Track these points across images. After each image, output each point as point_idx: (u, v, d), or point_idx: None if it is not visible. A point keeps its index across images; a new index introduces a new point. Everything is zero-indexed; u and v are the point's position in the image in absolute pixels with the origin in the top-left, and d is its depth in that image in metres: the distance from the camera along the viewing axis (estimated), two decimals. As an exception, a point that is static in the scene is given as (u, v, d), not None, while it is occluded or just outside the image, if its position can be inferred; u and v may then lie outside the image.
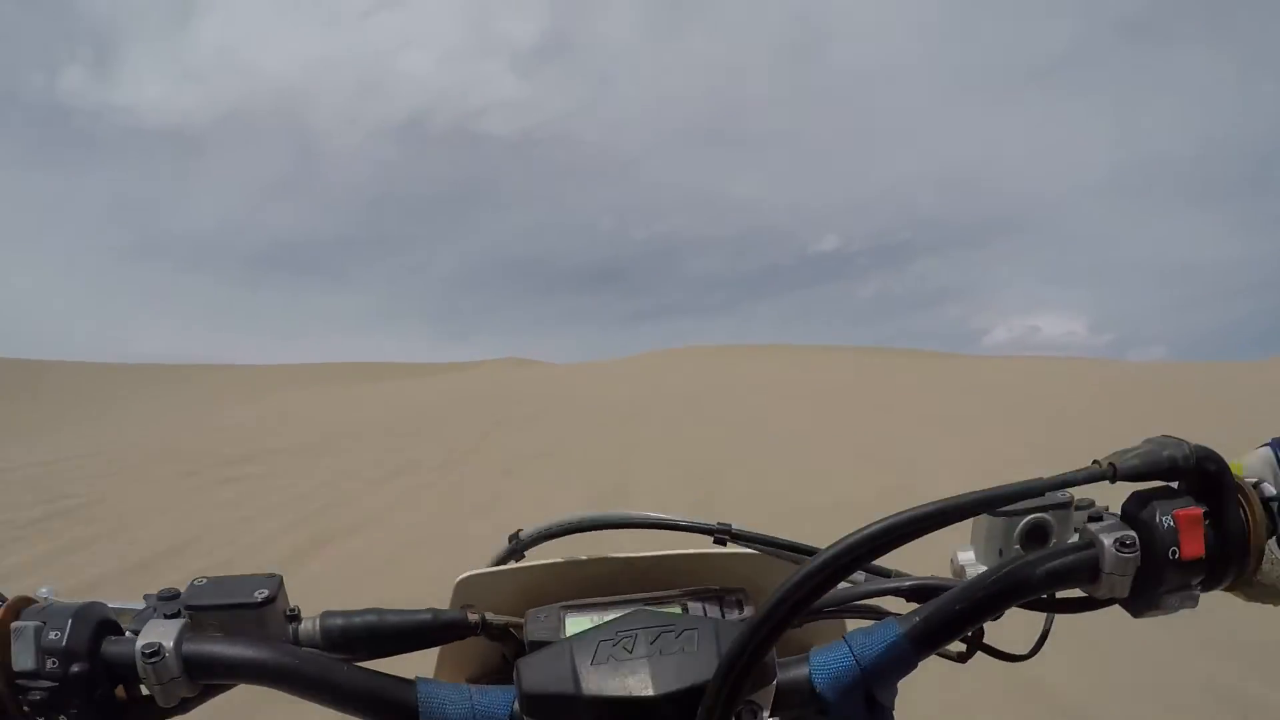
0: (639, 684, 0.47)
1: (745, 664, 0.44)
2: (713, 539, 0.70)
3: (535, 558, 0.71)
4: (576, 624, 0.61)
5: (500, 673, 0.69)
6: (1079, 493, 0.55)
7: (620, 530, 0.74)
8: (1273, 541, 0.51)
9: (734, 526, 0.71)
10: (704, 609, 0.63)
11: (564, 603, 0.64)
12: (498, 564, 0.74)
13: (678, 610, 0.62)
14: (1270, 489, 0.52)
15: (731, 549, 0.70)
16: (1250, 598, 0.53)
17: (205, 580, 0.56)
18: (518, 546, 0.75)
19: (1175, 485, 0.52)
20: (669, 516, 0.73)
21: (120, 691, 0.52)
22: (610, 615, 0.55)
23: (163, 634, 0.51)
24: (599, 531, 0.75)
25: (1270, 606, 0.54)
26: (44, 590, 0.55)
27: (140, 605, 0.56)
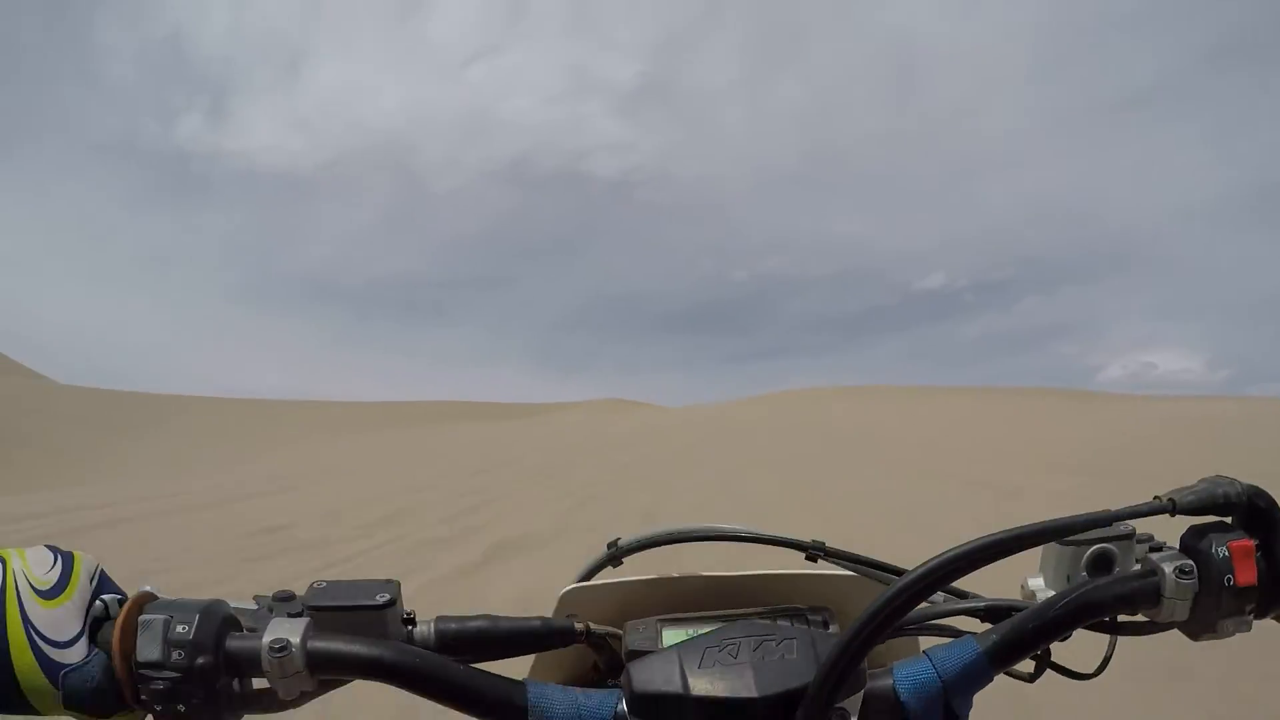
0: (743, 686, 0.51)
1: (841, 672, 0.49)
2: (805, 555, 0.75)
3: (630, 569, 0.77)
4: (673, 635, 0.66)
5: (590, 681, 0.73)
6: (1141, 531, 0.60)
7: (715, 544, 0.79)
8: None
9: (826, 544, 0.75)
10: (792, 624, 0.67)
11: (660, 616, 0.69)
12: (596, 569, 0.78)
13: (769, 623, 0.65)
14: None
15: (814, 570, 0.74)
16: None
17: (324, 583, 0.59)
18: (616, 554, 0.79)
19: (1229, 520, 0.57)
20: (761, 532, 0.77)
21: (237, 685, 0.55)
22: (704, 629, 0.60)
23: (289, 631, 0.54)
24: (693, 544, 0.79)
25: None
26: (146, 588, 0.57)
27: (255, 606, 0.59)
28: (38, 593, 0.52)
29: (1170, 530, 0.59)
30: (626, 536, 0.79)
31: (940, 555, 0.51)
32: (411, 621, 0.61)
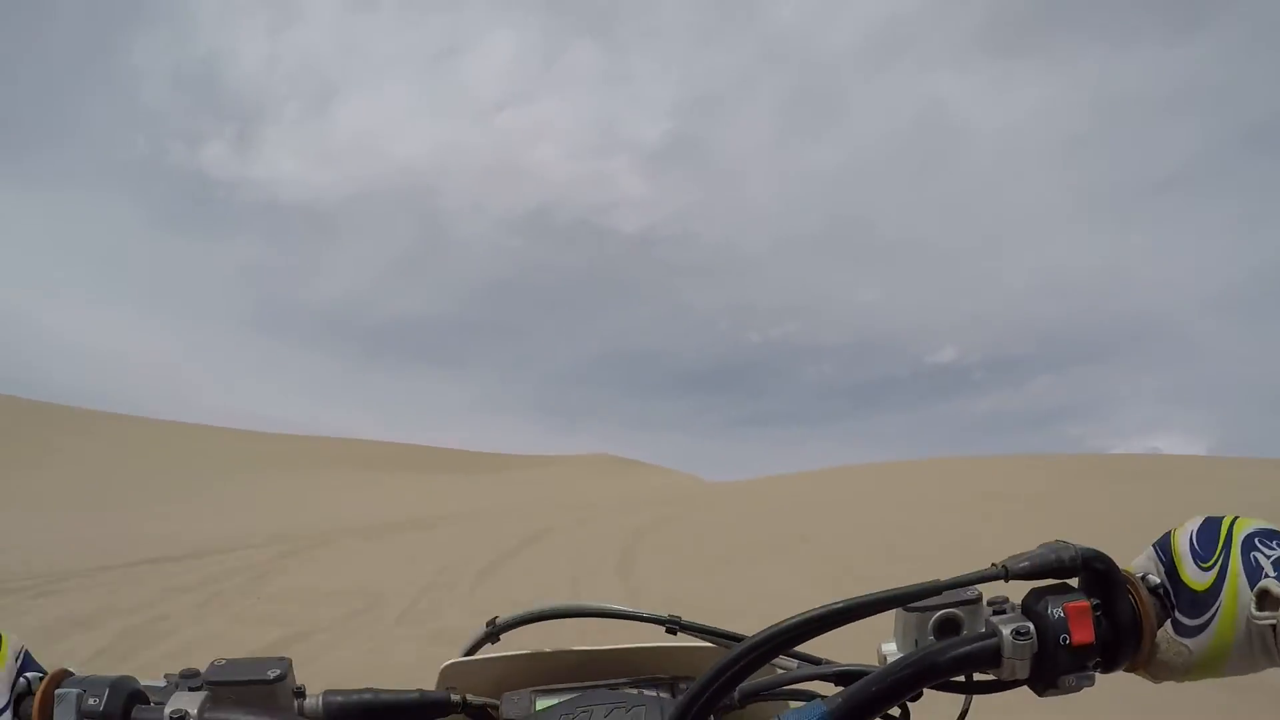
0: None
1: None
2: (665, 628, 0.83)
3: (509, 645, 0.86)
4: (545, 704, 0.74)
5: None
6: (998, 594, 0.63)
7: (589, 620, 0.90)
8: (1168, 624, 0.59)
9: (683, 619, 0.83)
10: (657, 692, 0.77)
11: (535, 687, 0.78)
12: (476, 646, 0.86)
13: (633, 693, 0.75)
14: (1154, 579, 0.61)
15: (675, 643, 0.82)
16: (1155, 678, 0.61)
17: (224, 661, 0.65)
18: (494, 631, 0.87)
19: (1074, 582, 0.60)
20: (626, 609, 0.87)
21: None
22: (570, 696, 0.71)
23: (188, 703, 0.60)
24: (567, 620, 0.89)
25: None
26: (65, 667, 0.64)
27: (162, 683, 0.65)
28: None
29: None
30: (504, 615, 0.88)
31: (778, 623, 0.55)
32: (301, 694, 0.68)
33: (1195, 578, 0.59)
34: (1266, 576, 0.55)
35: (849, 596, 0.56)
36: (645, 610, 0.85)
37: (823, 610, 0.55)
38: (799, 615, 0.55)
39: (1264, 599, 0.55)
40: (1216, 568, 0.58)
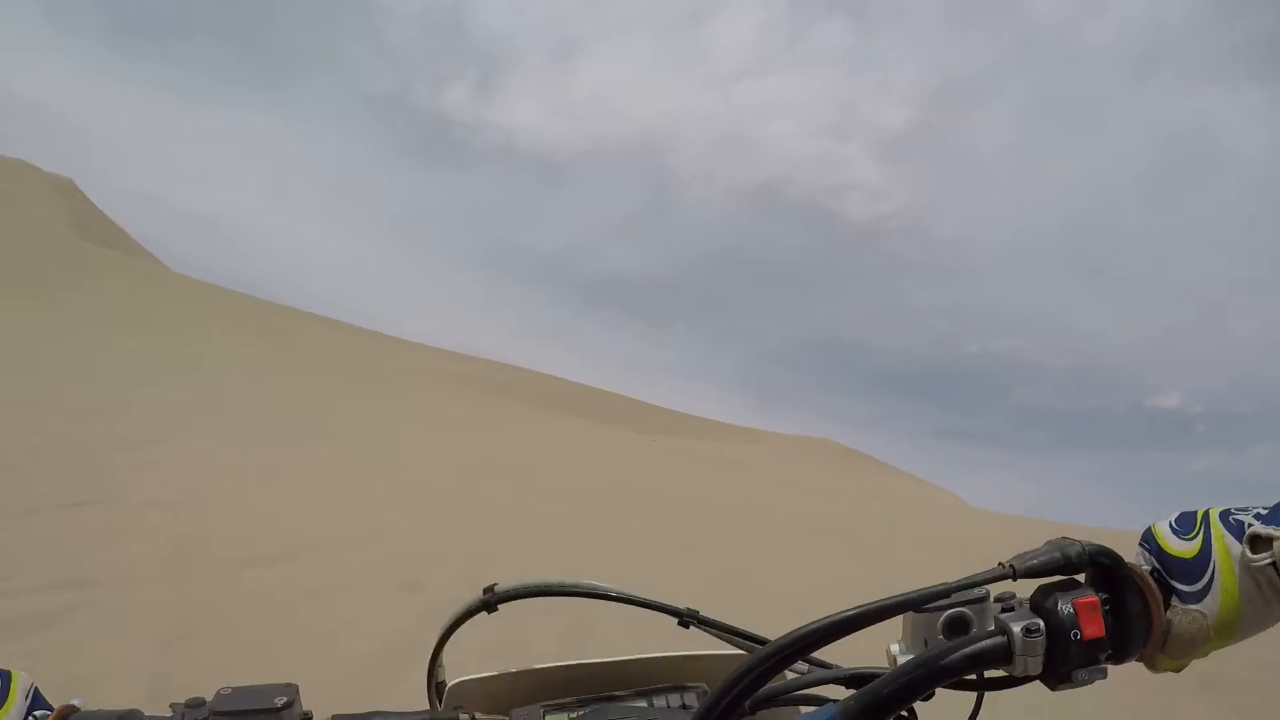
0: None
1: None
2: (678, 621, 0.78)
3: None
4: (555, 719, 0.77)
5: None
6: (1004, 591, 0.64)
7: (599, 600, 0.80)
8: (1174, 601, 0.61)
9: (700, 614, 0.78)
10: (667, 702, 0.78)
11: (544, 703, 0.79)
12: (468, 614, 0.79)
13: (644, 705, 0.77)
14: (1147, 567, 0.63)
15: (689, 652, 0.82)
16: (1176, 659, 0.62)
17: (230, 689, 0.66)
18: (491, 600, 0.79)
19: (1081, 578, 0.62)
20: (637, 595, 0.79)
21: None
22: (583, 711, 0.74)
23: None
24: (572, 599, 0.79)
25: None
26: (77, 700, 0.64)
27: (169, 715, 0.66)
28: None
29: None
30: (502, 583, 0.79)
31: (795, 630, 0.58)
32: None
33: (1182, 548, 0.62)
34: (1249, 527, 0.59)
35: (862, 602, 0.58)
36: (660, 599, 0.80)
37: (839, 616, 0.57)
38: (816, 621, 0.57)
39: (1255, 543, 0.59)
40: (1199, 536, 0.62)
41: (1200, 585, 0.61)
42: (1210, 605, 0.60)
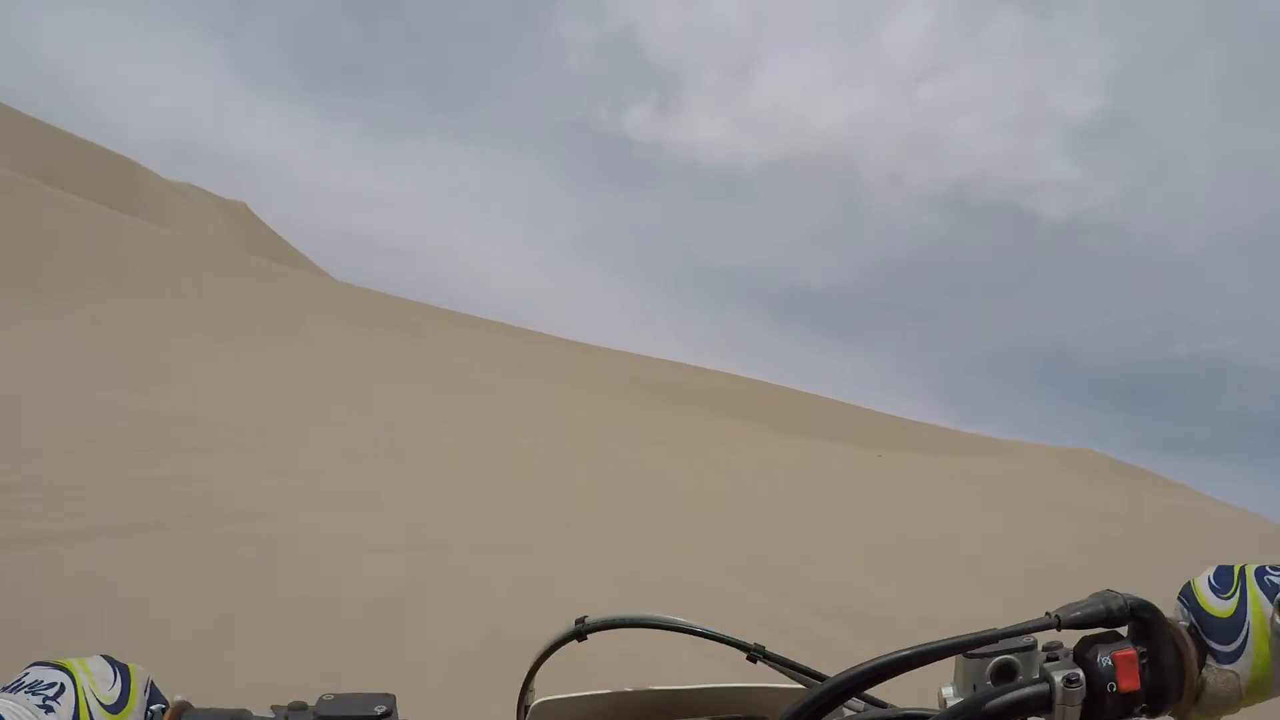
0: None
1: None
2: (746, 656, 0.85)
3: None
4: None
5: None
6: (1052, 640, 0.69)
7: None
8: (1209, 659, 0.64)
9: (766, 649, 0.85)
10: None
11: None
12: (560, 642, 0.87)
13: None
14: (1185, 622, 0.66)
15: (753, 684, 0.89)
16: (1210, 716, 0.64)
17: (332, 696, 0.68)
18: (581, 630, 0.86)
19: (1123, 631, 0.66)
20: (711, 630, 0.87)
21: None
22: None
23: None
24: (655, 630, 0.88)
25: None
26: (179, 697, 0.66)
27: (270, 715, 0.68)
28: (105, 708, 0.59)
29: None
30: (593, 616, 0.87)
31: (852, 668, 0.64)
32: None
33: (1219, 607, 0.65)
34: None
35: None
36: (731, 634, 0.87)
37: (893, 656, 0.63)
38: (872, 660, 0.63)
39: None
40: (1236, 595, 0.64)
41: (1234, 646, 0.63)
42: (1243, 666, 0.63)
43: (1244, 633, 0.62)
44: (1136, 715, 0.62)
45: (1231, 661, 0.63)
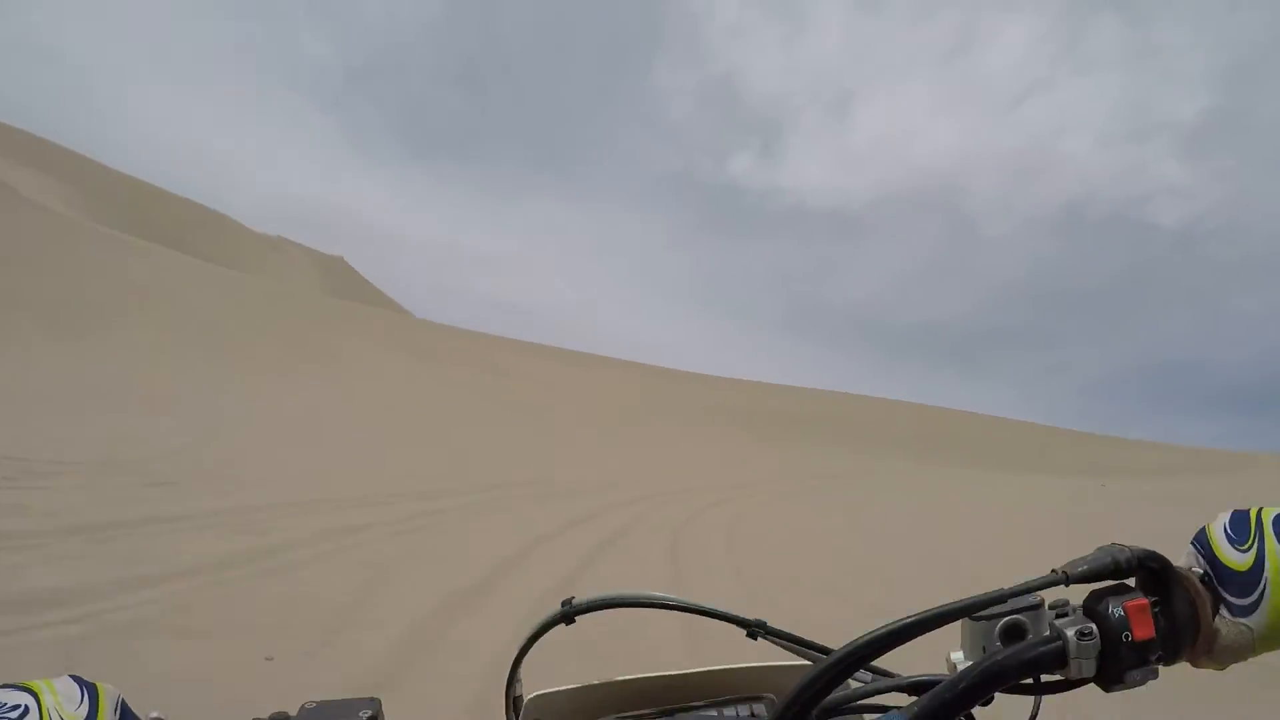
0: None
1: None
2: (746, 632, 0.81)
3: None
4: None
5: None
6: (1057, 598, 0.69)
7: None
8: (1222, 609, 0.64)
9: (767, 624, 0.81)
10: (736, 712, 0.82)
11: (615, 715, 0.84)
12: (547, 626, 0.83)
13: (715, 714, 0.82)
14: (1199, 571, 0.66)
15: (754, 664, 0.86)
16: (1220, 663, 0.65)
17: (314, 704, 0.68)
18: (569, 612, 0.83)
19: (1131, 582, 0.66)
20: (707, 606, 0.82)
21: None
22: None
23: None
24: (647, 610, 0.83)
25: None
26: (154, 714, 0.66)
27: None
28: None
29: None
30: (580, 597, 0.84)
31: (856, 639, 0.64)
32: None
33: (1237, 559, 0.64)
34: None
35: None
36: (730, 611, 0.82)
37: (899, 623, 0.62)
38: (877, 629, 0.63)
39: None
40: (1254, 548, 0.64)
41: (1250, 601, 0.63)
42: (1258, 620, 0.63)
43: (1262, 588, 0.63)
44: (1153, 663, 0.63)
45: (1247, 615, 0.63)
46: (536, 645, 0.80)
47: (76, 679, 0.60)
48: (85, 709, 0.58)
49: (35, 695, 0.57)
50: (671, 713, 0.81)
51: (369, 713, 0.66)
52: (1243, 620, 0.62)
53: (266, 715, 0.67)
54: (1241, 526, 0.64)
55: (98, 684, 0.61)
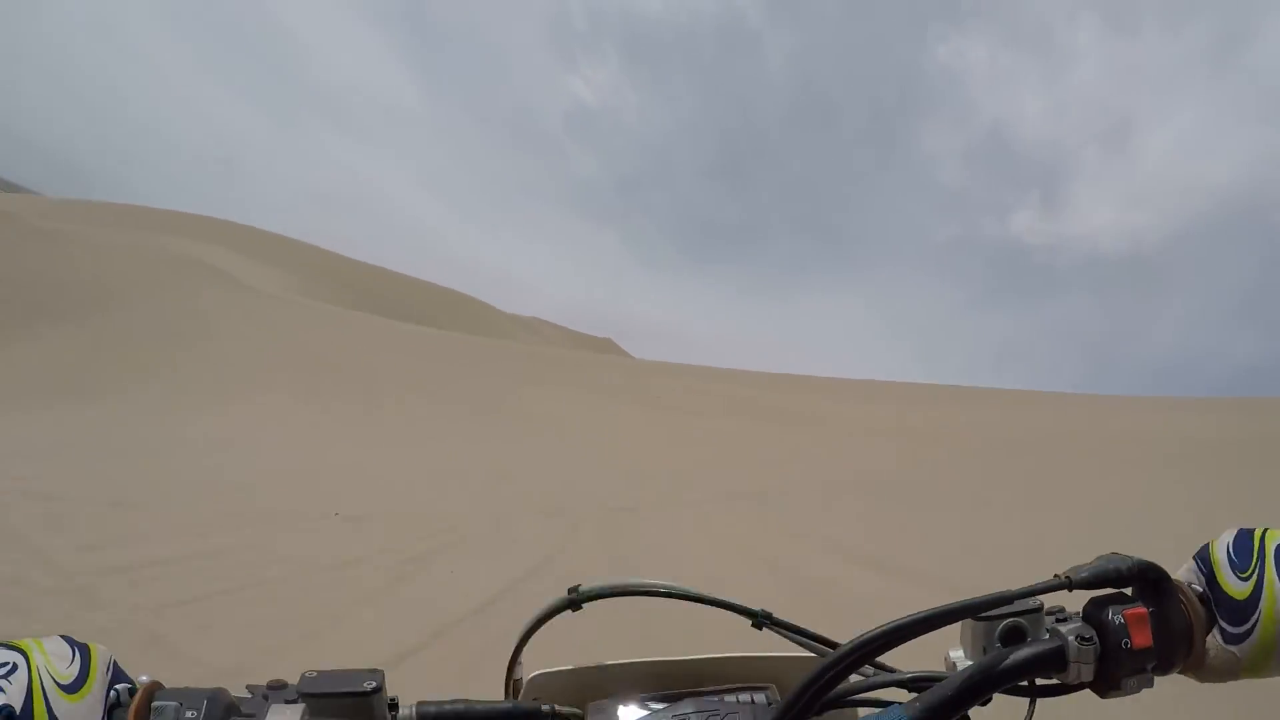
0: None
1: None
2: (752, 623, 0.83)
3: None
4: (629, 715, 0.81)
5: None
6: (1053, 604, 0.70)
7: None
8: (1215, 632, 0.66)
9: (773, 615, 0.83)
10: (737, 700, 0.80)
11: (619, 697, 0.84)
12: (553, 612, 0.84)
13: (716, 700, 0.80)
14: (1198, 588, 0.68)
15: (759, 653, 0.85)
16: (1205, 680, 0.67)
17: (316, 672, 0.67)
18: (575, 599, 0.84)
19: (1129, 591, 0.68)
20: (713, 596, 0.84)
21: None
22: (658, 708, 0.80)
23: (288, 716, 0.64)
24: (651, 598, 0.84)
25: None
26: (145, 678, 0.65)
27: (247, 695, 0.67)
28: (61, 687, 0.58)
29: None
30: (586, 583, 0.85)
31: (862, 635, 0.65)
32: (395, 706, 0.71)
33: (1236, 587, 0.66)
34: None
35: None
36: (736, 600, 0.84)
37: (905, 620, 0.63)
38: (884, 625, 0.64)
39: None
40: (1254, 578, 0.65)
41: (1242, 630, 0.65)
42: (1246, 650, 0.65)
43: (1255, 620, 0.64)
44: (1149, 672, 0.65)
45: (1237, 643, 0.65)
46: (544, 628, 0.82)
47: (68, 639, 0.61)
48: (76, 668, 0.59)
49: (24, 654, 0.58)
50: (673, 697, 0.82)
51: (373, 683, 0.66)
52: (1232, 647, 0.65)
53: (264, 683, 0.67)
54: (1245, 550, 0.65)
55: (90, 644, 0.62)
